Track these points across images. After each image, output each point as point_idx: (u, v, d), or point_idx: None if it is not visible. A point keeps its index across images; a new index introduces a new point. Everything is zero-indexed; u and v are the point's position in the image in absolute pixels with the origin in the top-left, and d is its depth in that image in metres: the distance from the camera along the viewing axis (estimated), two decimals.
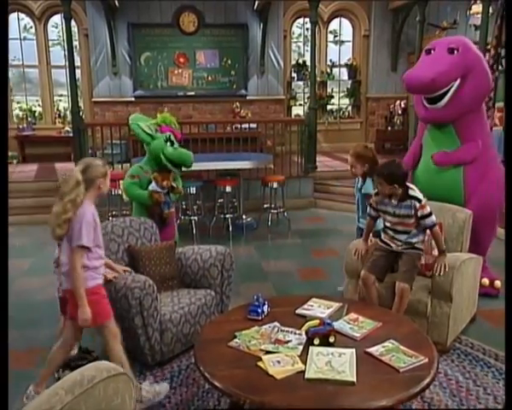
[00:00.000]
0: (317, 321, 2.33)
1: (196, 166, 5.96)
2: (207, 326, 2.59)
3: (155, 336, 2.83)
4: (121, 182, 5.76)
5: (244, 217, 6.19)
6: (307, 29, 9.76)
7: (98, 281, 2.43)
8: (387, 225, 3.16)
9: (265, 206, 6.18)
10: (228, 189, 5.71)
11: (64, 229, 2.31)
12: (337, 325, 2.39)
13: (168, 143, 3.85)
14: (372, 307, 2.77)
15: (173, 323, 2.90)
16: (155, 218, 3.63)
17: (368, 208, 3.25)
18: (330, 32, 10.01)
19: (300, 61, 9.76)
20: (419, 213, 2.96)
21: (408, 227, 3.05)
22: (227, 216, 5.87)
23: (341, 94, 10.14)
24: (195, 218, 5.65)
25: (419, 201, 2.97)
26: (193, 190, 5.65)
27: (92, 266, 2.38)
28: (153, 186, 3.73)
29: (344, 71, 10.05)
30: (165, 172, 3.80)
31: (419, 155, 3.95)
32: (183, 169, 4.06)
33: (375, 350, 2.19)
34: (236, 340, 2.30)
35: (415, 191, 3.01)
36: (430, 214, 2.97)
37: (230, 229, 5.66)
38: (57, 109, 9.71)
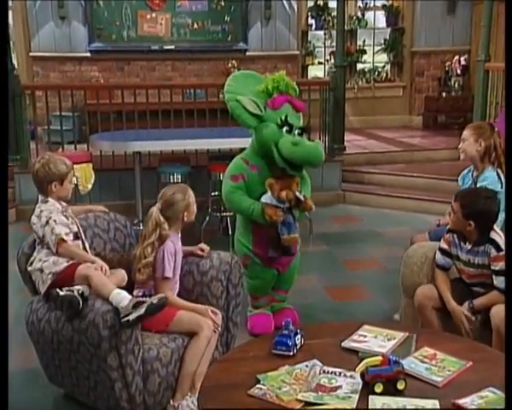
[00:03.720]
0: (378, 358, 2.25)
1: (178, 146, 6.00)
2: (216, 366, 2.53)
3: (136, 381, 2.76)
4: (75, 167, 5.70)
5: None
6: None
7: None
8: (463, 278, 3.16)
9: None
10: None
11: None
12: (406, 364, 2.30)
13: (285, 129, 3.49)
14: (454, 339, 2.68)
15: (162, 362, 2.83)
16: (272, 243, 3.52)
17: (437, 255, 3.23)
18: None
19: (320, 2, 9.69)
20: (492, 266, 2.96)
21: (487, 279, 3.05)
22: (224, 214, 5.83)
23: (377, 48, 10.09)
24: None
25: (498, 248, 2.94)
26: (177, 178, 5.62)
27: None
28: (266, 198, 3.46)
29: (380, 15, 10.00)
30: (285, 176, 3.50)
31: None
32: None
33: (470, 402, 2.08)
34: (260, 386, 2.22)
35: (498, 236, 2.99)
36: None
37: (230, 232, 5.57)
38: None
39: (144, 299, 2.71)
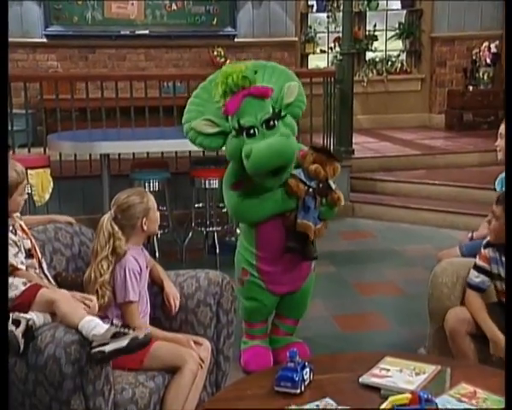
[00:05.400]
0: (407, 396, 2.22)
1: (154, 148, 6.05)
2: (206, 407, 2.52)
3: None
4: (30, 173, 5.65)
5: (238, 231, 6.05)
6: None
7: None
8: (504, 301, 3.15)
9: None
10: (212, 184, 5.63)
11: None
12: (441, 403, 2.28)
13: (245, 135, 3.50)
14: (495, 373, 2.63)
15: (138, 405, 2.78)
16: (289, 233, 3.57)
17: (471, 273, 3.22)
18: None
19: None
20: None
21: None
22: (211, 230, 5.86)
23: (390, 33, 10.19)
24: (158, 232, 5.47)
25: None
26: (154, 186, 5.60)
27: None
28: (295, 170, 3.58)
29: None
30: (324, 156, 3.60)
31: None
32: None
33: None
34: None
35: None
36: None
37: (217, 250, 5.61)
38: None
39: (125, 330, 2.62)
